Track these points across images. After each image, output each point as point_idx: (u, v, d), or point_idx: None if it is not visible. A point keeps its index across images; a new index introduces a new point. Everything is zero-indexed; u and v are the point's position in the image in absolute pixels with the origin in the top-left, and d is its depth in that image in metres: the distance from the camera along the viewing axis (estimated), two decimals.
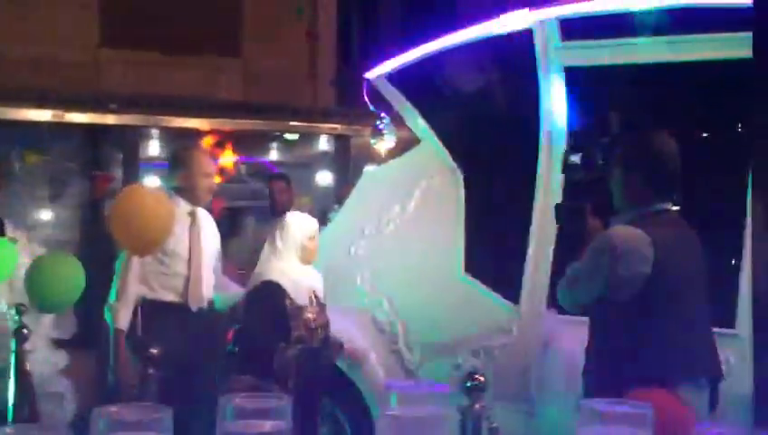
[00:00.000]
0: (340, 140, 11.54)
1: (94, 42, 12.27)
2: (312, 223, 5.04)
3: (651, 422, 1.09)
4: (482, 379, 4.12)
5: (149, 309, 4.98)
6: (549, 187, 5.17)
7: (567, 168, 4.49)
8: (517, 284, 5.20)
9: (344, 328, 5.33)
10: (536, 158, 5.18)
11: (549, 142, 5.16)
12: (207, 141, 11.51)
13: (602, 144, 4.24)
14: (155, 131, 11.47)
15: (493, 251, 5.38)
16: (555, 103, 5.15)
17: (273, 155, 12.35)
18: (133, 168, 10.74)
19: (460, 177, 5.47)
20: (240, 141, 11.94)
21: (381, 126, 6.04)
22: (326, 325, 4.96)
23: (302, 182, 12.25)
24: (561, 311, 4.80)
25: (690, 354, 3.64)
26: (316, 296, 4.94)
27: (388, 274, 5.48)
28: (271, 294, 4.75)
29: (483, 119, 5.52)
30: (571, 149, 4.55)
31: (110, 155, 11.20)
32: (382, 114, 6.12)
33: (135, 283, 4.97)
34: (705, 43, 4.59)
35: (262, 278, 4.80)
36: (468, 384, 4.12)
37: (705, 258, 3.81)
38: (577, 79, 5.12)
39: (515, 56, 5.35)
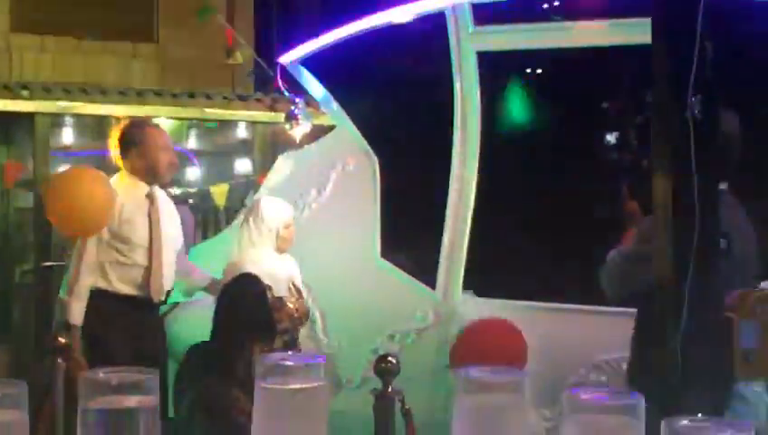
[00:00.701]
0: (259, 127, 11.44)
1: (5, 27, 11.92)
2: (288, 209, 4.89)
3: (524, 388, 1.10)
4: (393, 361, 4.17)
5: (103, 302, 4.52)
6: (463, 171, 5.21)
7: (601, 149, 4.38)
8: (433, 268, 5.24)
9: None
10: (451, 142, 5.22)
11: (463, 126, 5.20)
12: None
13: (638, 124, 4.13)
14: (68, 119, 11.19)
15: (409, 236, 5.41)
16: (468, 87, 5.19)
17: (192, 143, 12.15)
18: (44, 156, 10.47)
19: (375, 161, 5.47)
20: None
21: (296, 111, 5.99)
22: (307, 314, 4.85)
23: (222, 170, 12.12)
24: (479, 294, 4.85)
25: None
26: (294, 285, 4.81)
27: (305, 260, 5.46)
28: (250, 287, 4.39)
29: (397, 103, 5.54)
30: (605, 128, 4.44)
31: (22, 143, 10.91)
32: (297, 99, 6.07)
33: (88, 274, 4.51)
34: (613, 29, 4.68)
35: (239, 269, 4.53)
36: (380, 367, 4.18)
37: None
38: (490, 62, 5.17)
39: (429, 41, 5.37)
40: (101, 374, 1.09)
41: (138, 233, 4.61)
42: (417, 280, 5.22)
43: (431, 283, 5.21)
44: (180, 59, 12.24)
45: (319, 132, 6.28)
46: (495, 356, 4.26)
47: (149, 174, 4.70)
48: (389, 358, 4.00)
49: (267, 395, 1.17)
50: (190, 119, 11.49)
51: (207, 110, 11.06)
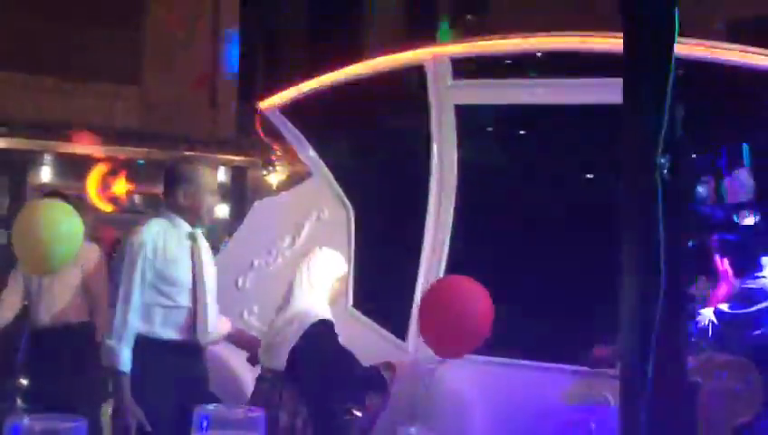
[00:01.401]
0: (237, 171, 11.45)
1: None
2: (344, 262, 4.73)
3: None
4: (359, 414, 4.12)
5: (146, 348, 4.23)
6: (438, 224, 5.19)
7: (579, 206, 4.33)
8: (405, 320, 5.19)
9: (235, 365, 5.22)
10: (427, 194, 5.21)
11: (439, 179, 5.20)
12: (101, 169, 11.26)
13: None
14: (47, 157, 11.17)
15: (381, 286, 5.36)
16: (446, 141, 5.19)
17: None
18: (21, 193, 10.42)
19: (350, 210, 5.45)
20: (135, 170, 11.71)
21: (273, 157, 5.98)
22: None
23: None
24: None
25: None
26: None
27: (274, 307, 5.41)
28: (328, 334, 4.36)
29: (374, 153, 5.54)
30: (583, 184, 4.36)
31: None
32: (274, 146, 6.07)
33: (136, 318, 4.23)
34: (585, 88, 4.71)
35: (312, 318, 4.38)
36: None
37: None
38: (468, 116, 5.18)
39: (408, 93, 5.39)
40: (26, 421, 1.05)
41: (183, 274, 4.38)
42: (387, 331, 5.17)
43: (402, 335, 5.16)
44: (162, 101, 12.26)
45: (295, 179, 6.27)
46: (459, 316, 4.20)
47: (193, 214, 4.49)
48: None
49: None
50: (169, 161, 11.52)
51: (187, 153, 11.09)
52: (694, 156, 3.92)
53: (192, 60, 11.75)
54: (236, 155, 11.27)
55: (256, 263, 5.67)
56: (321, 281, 4.54)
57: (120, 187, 11.59)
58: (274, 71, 12.25)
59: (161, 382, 4.20)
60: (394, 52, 5.40)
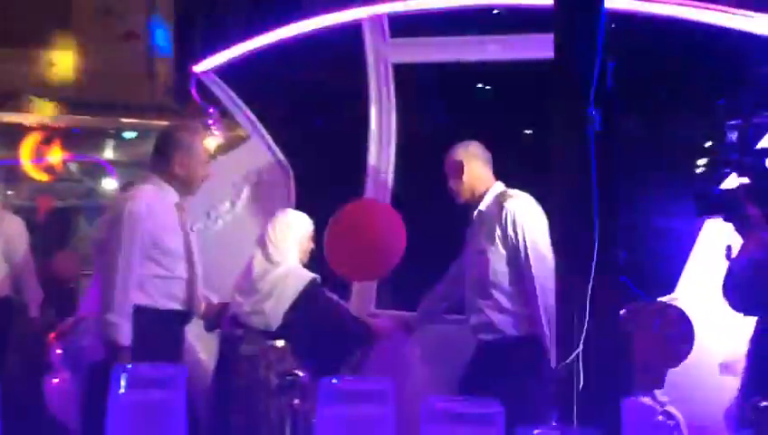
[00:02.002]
0: None
1: None
2: (309, 222, 4.76)
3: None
4: (300, 374, 4.12)
5: (144, 320, 4.03)
6: (378, 182, 5.20)
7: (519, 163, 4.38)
8: (348, 282, 5.21)
9: None
10: (366, 153, 5.21)
11: (378, 138, 5.20)
12: (35, 138, 11.03)
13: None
14: None
15: (322, 247, 5.36)
16: (384, 99, 5.19)
17: (109, 153, 11.95)
18: None
19: (290, 172, 5.43)
20: (71, 139, 11.49)
21: (210, 121, 5.91)
22: None
23: (137, 180, 11.92)
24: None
25: None
26: None
27: (216, 271, 5.36)
28: (323, 290, 4.55)
29: (313, 114, 5.51)
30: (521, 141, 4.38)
31: None
32: (211, 110, 5.99)
33: (133, 290, 4.02)
34: (525, 43, 4.73)
35: (306, 276, 4.52)
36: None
37: None
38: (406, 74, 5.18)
39: (345, 52, 5.36)
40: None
41: (177, 244, 4.20)
42: (330, 291, 5.18)
43: (345, 296, 5.18)
44: (98, 68, 12.03)
45: (234, 143, 6.21)
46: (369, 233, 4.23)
47: (185, 184, 4.27)
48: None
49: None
50: (107, 128, 11.32)
51: (124, 120, 10.92)
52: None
53: (126, 25, 11.52)
54: (174, 121, 11.10)
55: (196, 227, 5.61)
56: (294, 241, 4.60)
57: (55, 155, 11.36)
58: (211, 34, 12.07)
59: (160, 355, 3.89)
60: (331, 12, 5.36)
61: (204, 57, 5.77)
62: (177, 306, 4.16)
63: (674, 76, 4.95)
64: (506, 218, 4.14)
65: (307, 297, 4.48)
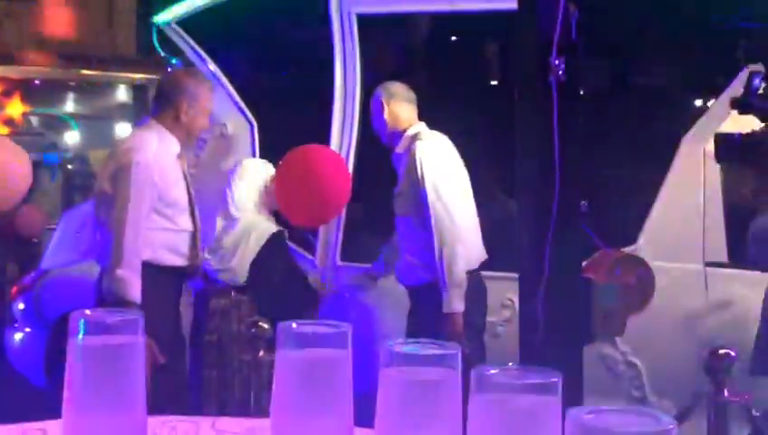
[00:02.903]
0: (138, 90, 11.17)
1: None
2: (270, 168, 4.69)
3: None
4: (266, 326, 4.13)
5: (150, 275, 3.80)
6: (342, 136, 5.17)
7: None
8: (312, 233, 5.20)
9: None
10: (330, 106, 5.17)
11: (342, 90, 5.16)
12: None
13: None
14: None
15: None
16: (348, 50, 5.14)
17: (70, 106, 11.79)
18: None
19: (253, 123, 5.38)
20: (31, 91, 11.31)
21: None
22: None
23: (101, 134, 11.78)
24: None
25: None
26: None
27: None
28: (285, 245, 4.55)
29: (275, 66, 5.45)
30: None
31: None
32: (173, 61, 5.91)
33: (141, 244, 3.79)
34: None
35: (268, 229, 4.49)
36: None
37: None
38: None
39: (309, 2, 5.30)
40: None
41: (181, 196, 3.98)
42: (298, 247, 5.17)
43: (309, 248, 5.17)
44: (59, 19, 11.81)
45: None
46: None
47: (186, 134, 4.04)
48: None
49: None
50: (68, 80, 11.15)
51: (86, 72, 10.75)
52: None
53: None
54: (137, 73, 10.95)
55: None
56: (252, 191, 4.57)
57: (15, 108, 11.18)
58: None
59: (166, 310, 3.92)
60: None
61: (164, 7, 5.68)
62: (179, 261, 3.97)
63: (640, 23, 4.94)
64: (412, 160, 4.08)
65: (269, 251, 4.46)
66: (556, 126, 2.68)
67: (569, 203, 2.72)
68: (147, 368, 1.14)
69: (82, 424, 1.12)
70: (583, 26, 2.92)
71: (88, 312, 1.14)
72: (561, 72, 2.76)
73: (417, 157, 4.06)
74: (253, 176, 4.64)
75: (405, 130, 4.25)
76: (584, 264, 2.75)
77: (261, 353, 3.95)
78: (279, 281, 4.49)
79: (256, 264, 4.45)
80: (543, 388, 0.90)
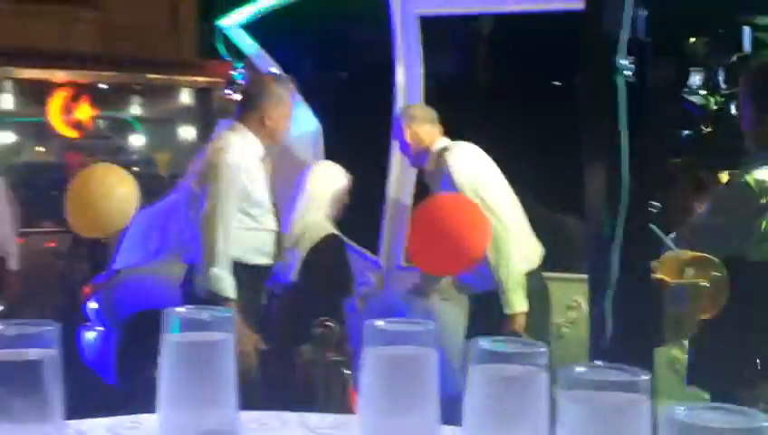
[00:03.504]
0: (202, 93, 11.33)
1: None
2: (343, 175, 4.79)
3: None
4: (331, 325, 4.17)
5: (237, 274, 3.91)
6: None
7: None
8: (376, 234, 5.23)
9: None
10: (392, 107, 5.19)
11: (405, 91, 5.18)
12: (63, 94, 11.09)
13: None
14: (7, 84, 10.97)
15: (351, 202, 5.38)
16: (410, 52, 5.16)
17: (135, 110, 11.99)
18: None
19: (318, 127, 5.43)
20: (98, 95, 11.54)
21: (237, 76, 5.91)
22: None
23: (166, 137, 11.98)
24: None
25: None
26: None
27: None
28: (337, 248, 4.55)
29: (338, 67, 5.49)
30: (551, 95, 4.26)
31: None
32: (237, 63, 5.99)
33: (229, 241, 3.91)
34: None
35: (322, 231, 4.55)
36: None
37: None
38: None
39: (370, 5, 5.33)
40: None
41: (265, 196, 4.09)
42: (363, 248, 5.21)
43: (373, 249, 5.20)
44: (123, 24, 12.02)
45: None
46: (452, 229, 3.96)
47: (269, 136, 4.14)
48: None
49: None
50: (132, 85, 11.35)
51: (150, 76, 10.94)
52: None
53: None
54: (200, 76, 11.11)
55: None
56: (323, 194, 4.64)
57: (84, 112, 11.42)
58: None
59: (253, 308, 4.05)
60: None
61: (228, 11, 5.76)
62: (265, 260, 4.07)
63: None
64: (446, 172, 4.11)
65: (319, 252, 4.50)
66: (624, 126, 2.67)
67: (638, 203, 2.70)
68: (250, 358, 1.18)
69: (177, 418, 1.16)
70: (652, 25, 2.91)
71: (181, 309, 1.18)
72: (628, 72, 2.75)
73: (451, 167, 4.10)
74: (325, 179, 4.71)
75: (429, 148, 4.31)
76: (654, 265, 2.73)
77: (328, 352, 4.00)
78: (323, 282, 4.51)
79: (306, 263, 4.51)
80: (633, 386, 0.92)
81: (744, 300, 2.96)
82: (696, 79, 3.86)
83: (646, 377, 0.92)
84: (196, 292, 3.87)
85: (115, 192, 4.53)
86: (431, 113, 4.41)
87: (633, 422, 0.92)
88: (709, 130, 4.08)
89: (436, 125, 4.37)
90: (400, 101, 5.19)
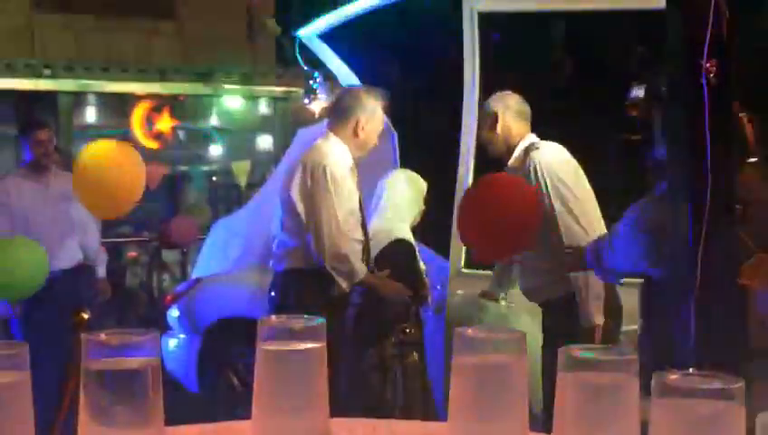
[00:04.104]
0: (279, 102, 11.47)
1: (27, 5, 11.98)
2: (422, 182, 4.80)
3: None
4: (411, 331, 4.19)
5: (329, 282, 4.09)
6: (469, 142, 5.11)
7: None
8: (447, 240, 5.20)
9: None
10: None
11: (469, 95, 5.12)
12: (144, 106, 11.35)
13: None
14: (89, 97, 11.27)
15: (427, 210, 5.37)
16: (474, 51, 5.06)
17: (213, 119, 12.21)
18: (67, 135, 10.54)
19: (394, 135, 5.45)
20: (178, 106, 11.78)
21: (315, 85, 5.98)
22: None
23: (243, 146, 12.15)
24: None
25: None
26: None
27: None
28: (406, 253, 4.55)
29: (414, 76, 5.50)
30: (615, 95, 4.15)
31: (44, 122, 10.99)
32: (315, 73, 6.06)
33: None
34: None
35: (392, 236, 4.55)
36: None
37: None
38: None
39: (443, 12, 5.32)
40: (103, 335, 1.10)
41: (357, 207, 4.20)
42: (437, 254, 5.19)
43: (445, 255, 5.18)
44: (200, 36, 12.25)
45: None
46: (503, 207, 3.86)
47: (359, 148, 4.24)
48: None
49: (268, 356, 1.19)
50: (211, 95, 11.55)
51: (228, 86, 11.13)
52: None
53: None
54: (277, 86, 11.26)
55: None
56: (399, 200, 4.65)
57: (165, 123, 11.66)
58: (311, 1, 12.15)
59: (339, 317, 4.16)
60: None
61: (305, 21, 5.83)
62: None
63: None
64: (531, 172, 3.93)
65: (386, 257, 4.46)
66: (708, 129, 2.64)
67: (723, 207, 2.66)
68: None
69: (270, 426, 1.19)
70: (735, 26, 2.86)
71: (274, 318, 1.21)
72: (712, 75, 2.71)
73: (538, 168, 3.94)
74: (402, 186, 4.71)
75: (516, 143, 4.11)
76: (740, 269, 2.68)
77: (412, 357, 4.02)
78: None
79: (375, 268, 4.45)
80: (727, 394, 0.91)
81: None
82: None
83: (739, 384, 0.91)
84: (281, 300, 4.00)
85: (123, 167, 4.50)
86: (526, 107, 4.20)
87: (727, 431, 0.91)
88: None
89: (528, 120, 4.21)
90: (465, 103, 5.05)
